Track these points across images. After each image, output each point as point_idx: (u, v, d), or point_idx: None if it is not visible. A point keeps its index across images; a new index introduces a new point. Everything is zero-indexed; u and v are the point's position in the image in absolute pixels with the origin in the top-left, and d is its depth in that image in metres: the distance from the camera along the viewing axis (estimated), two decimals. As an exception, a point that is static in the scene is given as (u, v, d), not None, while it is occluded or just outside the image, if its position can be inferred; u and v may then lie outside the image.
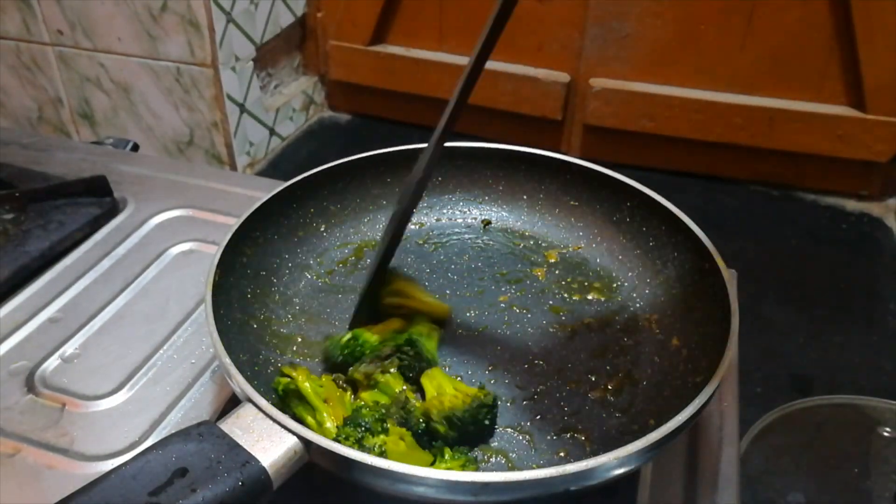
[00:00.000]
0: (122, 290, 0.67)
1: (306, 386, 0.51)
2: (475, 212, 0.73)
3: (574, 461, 0.42)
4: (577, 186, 0.70)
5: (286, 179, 0.66)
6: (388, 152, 0.70)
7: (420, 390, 0.55)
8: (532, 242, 0.71)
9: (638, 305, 0.63)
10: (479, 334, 0.61)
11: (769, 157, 1.48)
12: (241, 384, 0.46)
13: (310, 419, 0.51)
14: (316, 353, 0.59)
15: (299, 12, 1.60)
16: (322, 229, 0.69)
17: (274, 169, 1.57)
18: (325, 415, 0.50)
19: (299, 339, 0.60)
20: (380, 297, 0.62)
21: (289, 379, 0.52)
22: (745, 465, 0.55)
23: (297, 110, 1.67)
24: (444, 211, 0.73)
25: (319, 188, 0.68)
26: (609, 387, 0.56)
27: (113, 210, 0.76)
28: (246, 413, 0.45)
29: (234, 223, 0.60)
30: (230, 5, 1.36)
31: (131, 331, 0.63)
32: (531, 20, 1.45)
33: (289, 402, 0.52)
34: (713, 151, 1.50)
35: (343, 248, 0.69)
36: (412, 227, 0.72)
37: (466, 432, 0.51)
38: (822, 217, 1.44)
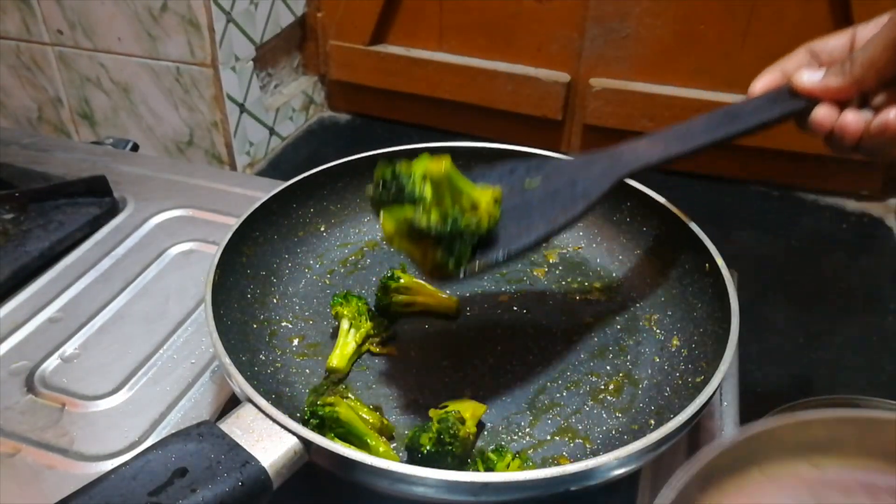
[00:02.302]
0: (122, 290, 0.67)
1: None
2: (475, 212, 0.73)
3: (574, 461, 0.42)
4: (577, 186, 0.70)
5: (286, 179, 0.66)
6: (388, 152, 0.70)
7: None
8: (532, 242, 0.70)
9: (638, 305, 0.63)
10: (478, 334, 0.61)
11: (769, 157, 1.48)
12: (241, 384, 0.46)
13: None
14: (316, 352, 0.59)
15: (299, 12, 1.59)
16: (322, 229, 0.69)
17: (274, 169, 1.56)
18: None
19: (299, 340, 0.60)
20: None
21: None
22: (745, 465, 0.55)
23: (297, 110, 1.66)
24: (444, 211, 0.73)
25: (319, 188, 0.68)
26: (609, 387, 0.56)
27: (113, 210, 0.76)
28: (246, 413, 0.45)
29: (234, 223, 0.60)
30: (230, 5, 1.36)
31: (131, 331, 0.63)
32: (531, 20, 1.45)
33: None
34: (713, 151, 1.50)
35: (343, 248, 0.69)
36: (412, 227, 0.72)
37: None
38: (822, 217, 1.43)
